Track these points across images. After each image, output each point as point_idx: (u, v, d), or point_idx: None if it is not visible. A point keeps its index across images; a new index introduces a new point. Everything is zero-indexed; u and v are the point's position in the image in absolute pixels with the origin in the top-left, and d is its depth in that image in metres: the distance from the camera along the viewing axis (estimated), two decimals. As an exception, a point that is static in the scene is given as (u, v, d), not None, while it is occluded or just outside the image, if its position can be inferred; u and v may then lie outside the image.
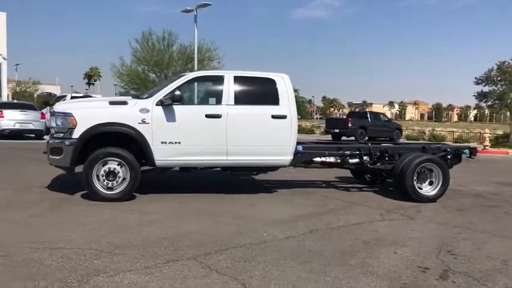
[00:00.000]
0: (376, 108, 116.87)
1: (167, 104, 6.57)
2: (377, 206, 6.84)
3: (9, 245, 4.34)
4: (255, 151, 6.93)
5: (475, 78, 27.24)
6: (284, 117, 7.00)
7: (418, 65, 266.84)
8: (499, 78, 26.39)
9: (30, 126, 17.60)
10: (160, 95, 6.67)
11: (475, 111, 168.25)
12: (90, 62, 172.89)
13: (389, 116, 41.19)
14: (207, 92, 7.26)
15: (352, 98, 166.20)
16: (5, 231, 4.88)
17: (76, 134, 6.35)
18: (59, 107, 6.80)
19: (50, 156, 6.58)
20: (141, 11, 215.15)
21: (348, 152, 7.70)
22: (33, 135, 18.05)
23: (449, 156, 7.91)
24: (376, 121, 26.98)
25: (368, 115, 27.68)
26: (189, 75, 7.12)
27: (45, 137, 18.17)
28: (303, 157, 7.36)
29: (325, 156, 7.67)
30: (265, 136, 6.96)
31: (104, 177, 6.36)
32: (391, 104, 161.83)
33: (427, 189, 7.35)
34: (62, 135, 6.47)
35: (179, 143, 6.63)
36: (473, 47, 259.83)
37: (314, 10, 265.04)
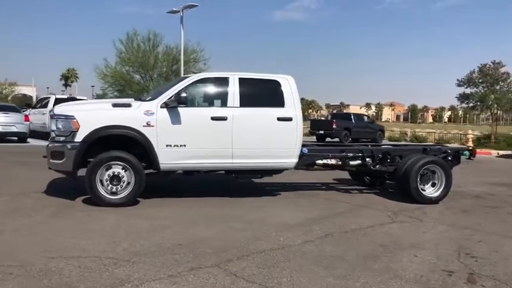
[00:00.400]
0: (353, 109, 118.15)
1: (172, 106, 6.41)
2: (383, 208, 6.83)
3: (21, 254, 4.14)
4: (260, 154, 6.83)
5: (457, 80, 27.97)
6: (290, 119, 6.92)
7: (394, 66, 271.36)
8: (480, 81, 27.06)
9: (13, 129, 17.03)
10: (165, 97, 6.51)
11: (449, 113, 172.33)
12: (67, 63, 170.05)
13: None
14: (212, 93, 7.08)
15: (329, 99, 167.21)
16: (13, 239, 4.66)
17: (79, 137, 6.13)
18: (59, 109, 6.53)
19: (51, 160, 6.34)
20: (123, 12, 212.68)
21: (351, 154, 7.68)
22: (16, 138, 17.53)
23: (449, 158, 7.98)
24: (359, 122, 27.26)
25: (352, 117, 27.93)
26: (194, 77, 6.98)
27: (28, 139, 17.70)
28: (307, 159, 7.30)
29: (327, 158, 7.64)
30: (270, 138, 6.87)
31: (108, 182, 6.16)
32: (368, 106, 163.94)
33: (429, 191, 7.39)
34: (63, 138, 6.23)
35: (184, 146, 6.48)
36: (449, 50, 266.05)
37: (292, 12, 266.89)
